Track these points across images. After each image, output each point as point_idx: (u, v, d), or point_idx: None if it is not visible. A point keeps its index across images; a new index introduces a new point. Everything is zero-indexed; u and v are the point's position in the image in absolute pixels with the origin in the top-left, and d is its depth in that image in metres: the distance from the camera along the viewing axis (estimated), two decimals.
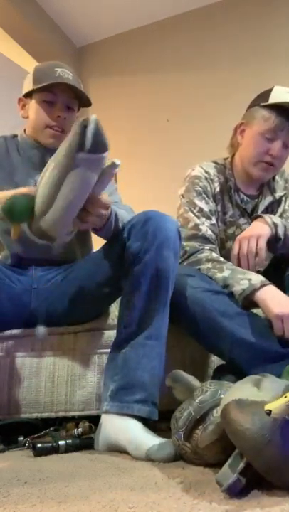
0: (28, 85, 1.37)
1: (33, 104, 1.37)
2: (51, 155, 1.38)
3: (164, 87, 3.48)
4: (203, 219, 1.43)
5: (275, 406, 0.67)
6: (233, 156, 1.55)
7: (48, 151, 1.37)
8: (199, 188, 1.46)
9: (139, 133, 3.46)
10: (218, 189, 1.49)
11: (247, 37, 3.24)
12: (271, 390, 0.76)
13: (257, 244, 1.31)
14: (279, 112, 1.38)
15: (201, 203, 1.44)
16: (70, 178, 0.96)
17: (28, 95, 1.38)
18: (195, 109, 3.29)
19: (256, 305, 1.21)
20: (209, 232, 1.41)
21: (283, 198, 1.55)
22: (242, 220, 1.50)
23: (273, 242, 1.36)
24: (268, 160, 1.41)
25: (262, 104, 1.41)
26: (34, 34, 3.27)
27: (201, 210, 1.43)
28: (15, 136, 1.45)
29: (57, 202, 0.99)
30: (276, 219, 1.38)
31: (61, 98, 1.35)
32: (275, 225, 1.35)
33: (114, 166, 1.00)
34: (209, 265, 1.31)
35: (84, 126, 0.92)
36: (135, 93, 3.57)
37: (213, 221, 1.45)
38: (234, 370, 1.19)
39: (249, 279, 1.22)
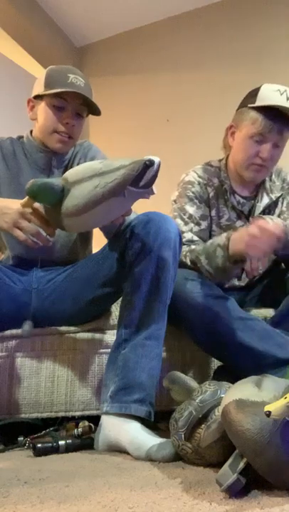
0: (38, 88, 1.35)
1: (42, 107, 1.35)
2: (57, 158, 1.40)
3: (164, 87, 3.48)
4: (192, 225, 1.43)
5: (274, 407, 0.67)
6: (227, 156, 1.55)
7: (54, 155, 1.38)
8: (191, 194, 1.47)
9: (139, 133, 3.46)
10: (212, 194, 1.49)
11: (247, 37, 3.24)
12: (272, 390, 0.77)
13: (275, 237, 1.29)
14: (267, 113, 1.36)
15: (191, 209, 1.45)
16: (111, 203, 0.97)
17: (38, 97, 1.36)
18: (195, 109, 3.29)
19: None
20: (195, 238, 1.41)
21: (280, 199, 1.54)
22: (239, 223, 1.50)
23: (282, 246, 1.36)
24: (259, 162, 1.41)
25: (249, 105, 1.40)
26: (34, 34, 3.27)
27: (190, 216, 1.44)
28: (21, 137, 1.45)
29: (89, 215, 0.99)
30: (277, 220, 1.37)
31: (71, 105, 1.34)
32: (287, 228, 1.34)
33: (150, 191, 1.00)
34: (189, 254, 1.33)
35: (147, 166, 0.93)
36: (135, 93, 3.57)
37: (203, 226, 1.45)
38: (234, 372, 1.19)
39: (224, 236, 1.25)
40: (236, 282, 1.52)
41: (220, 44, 3.32)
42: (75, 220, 1.01)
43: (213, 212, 1.49)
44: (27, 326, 1.23)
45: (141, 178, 0.93)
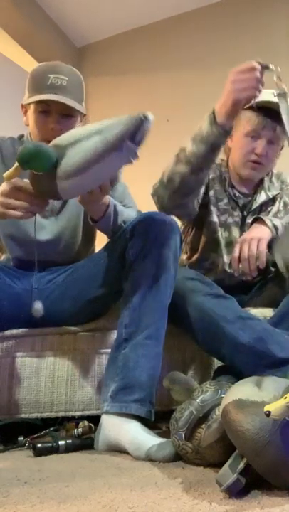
0: (26, 93, 1.32)
1: (30, 113, 1.32)
2: None
3: (164, 87, 3.48)
4: None
5: (274, 407, 0.67)
6: (227, 158, 1.59)
7: None
8: None
9: None
10: (212, 176, 1.54)
11: (247, 37, 3.24)
12: (272, 390, 0.77)
13: (258, 247, 1.32)
14: (260, 112, 1.44)
15: None
16: (111, 159, 0.98)
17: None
18: (195, 109, 3.28)
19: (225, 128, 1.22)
20: None
21: (278, 198, 1.58)
22: (235, 213, 1.53)
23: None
24: (254, 159, 1.47)
25: (245, 107, 1.42)
26: (34, 34, 3.27)
27: None
28: (22, 136, 1.44)
29: (87, 174, 0.98)
30: (276, 221, 1.39)
31: (55, 108, 1.26)
32: (276, 228, 1.37)
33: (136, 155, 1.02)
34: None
35: (142, 121, 0.96)
36: (135, 93, 3.57)
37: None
38: (235, 371, 1.19)
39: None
40: (237, 275, 1.51)
41: (220, 44, 3.32)
42: (72, 181, 0.99)
43: (212, 193, 1.53)
44: (38, 304, 1.20)
45: (137, 132, 0.96)
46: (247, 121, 1.47)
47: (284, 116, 1.21)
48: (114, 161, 1.00)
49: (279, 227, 1.37)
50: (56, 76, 1.26)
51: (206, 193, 1.53)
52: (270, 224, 1.37)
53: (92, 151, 0.97)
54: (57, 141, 1.03)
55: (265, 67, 1.20)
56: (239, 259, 1.35)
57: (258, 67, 1.18)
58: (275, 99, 1.36)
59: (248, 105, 1.39)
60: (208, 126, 1.23)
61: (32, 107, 1.30)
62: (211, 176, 1.53)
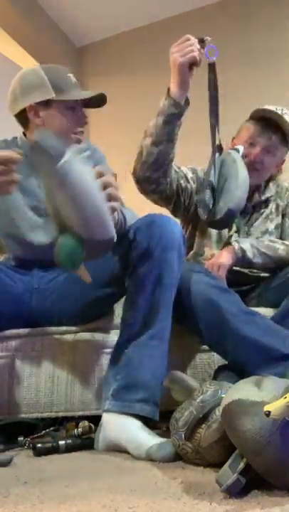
0: (43, 92, 1.29)
1: (53, 112, 1.31)
2: None
3: (164, 87, 3.47)
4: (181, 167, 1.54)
5: (274, 407, 0.67)
6: None
7: None
8: (188, 166, 1.60)
9: (139, 133, 3.45)
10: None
11: (247, 36, 3.25)
12: (272, 390, 0.76)
13: (218, 274, 1.41)
14: (259, 121, 1.56)
15: (185, 168, 1.57)
16: (64, 188, 0.91)
17: (43, 103, 1.30)
18: (195, 109, 3.29)
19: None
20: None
21: (271, 199, 1.63)
22: None
23: (245, 265, 1.48)
24: (248, 162, 1.52)
25: (246, 119, 1.61)
26: (34, 34, 3.27)
27: (182, 170, 1.55)
28: (15, 138, 1.44)
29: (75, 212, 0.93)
30: (244, 243, 1.47)
31: (80, 103, 1.35)
32: (243, 250, 1.45)
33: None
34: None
35: (38, 145, 0.90)
36: (135, 93, 3.57)
37: (189, 176, 1.56)
38: (235, 371, 1.19)
39: None
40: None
41: (220, 44, 3.30)
42: (81, 227, 0.94)
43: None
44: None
45: (49, 151, 0.88)
46: (246, 130, 1.57)
47: (210, 91, 1.44)
48: (72, 184, 0.92)
49: (247, 249, 1.45)
50: (72, 75, 1.36)
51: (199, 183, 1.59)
52: (236, 247, 1.45)
53: (53, 199, 0.93)
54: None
55: (200, 41, 1.34)
56: None
57: (192, 37, 1.32)
58: (273, 109, 1.53)
59: (250, 116, 1.52)
60: (164, 99, 1.34)
61: (57, 104, 1.30)
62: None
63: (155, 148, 1.35)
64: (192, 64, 1.30)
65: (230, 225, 1.56)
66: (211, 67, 1.38)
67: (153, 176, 1.40)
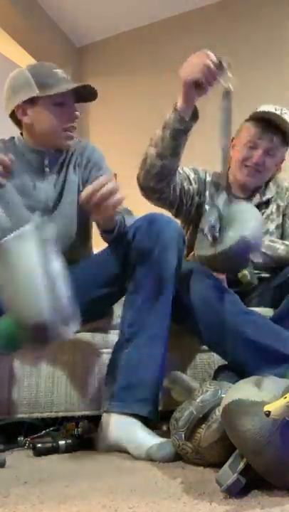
0: (27, 91, 1.29)
1: (40, 109, 1.30)
2: (50, 158, 1.36)
3: (164, 87, 3.47)
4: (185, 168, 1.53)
5: (274, 407, 0.67)
6: (228, 169, 1.61)
7: (47, 155, 1.35)
8: (190, 167, 1.58)
9: (139, 133, 3.45)
10: (209, 179, 1.59)
11: (247, 36, 3.24)
12: (272, 390, 0.77)
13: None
14: (259, 124, 1.54)
15: (187, 169, 1.56)
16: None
17: (30, 101, 1.30)
18: (200, 109, 3.29)
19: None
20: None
21: (272, 200, 1.62)
22: None
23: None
24: (250, 165, 1.54)
25: (246, 120, 1.58)
26: (34, 34, 3.27)
27: (185, 171, 1.53)
28: (12, 138, 1.44)
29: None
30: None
31: (69, 97, 1.32)
32: None
33: None
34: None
35: None
36: (135, 93, 3.57)
37: (195, 186, 1.54)
38: (235, 371, 1.19)
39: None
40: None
41: (220, 44, 3.31)
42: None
43: (207, 193, 1.57)
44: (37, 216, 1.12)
45: None
46: (246, 131, 1.55)
47: (222, 116, 1.26)
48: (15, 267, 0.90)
49: None
50: (61, 70, 1.33)
51: (202, 193, 1.57)
52: None
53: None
54: None
55: (218, 63, 1.20)
56: None
57: (211, 55, 1.20)
58: (273, 110, 1.51)
59: (248, 118, 1.49)
60: (170, 112, 1.32)
61: (45, 101, 1.29)
62: (208, 180, 1.58)
63: (159, 161, 1.32)
64: (198, 84, 1.23)
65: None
66: (226, 94, 1.24)
67: (156, 186, 1.38)
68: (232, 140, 1.61)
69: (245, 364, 1.15)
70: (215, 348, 1.28)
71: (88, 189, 1.04)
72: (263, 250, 1.45)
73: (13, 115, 1.36)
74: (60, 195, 1.34)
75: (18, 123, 1.38)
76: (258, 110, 1.56)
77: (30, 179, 1.33)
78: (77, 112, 1.34)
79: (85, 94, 1.35)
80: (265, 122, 1.53)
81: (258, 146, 1.53)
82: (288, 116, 1.53)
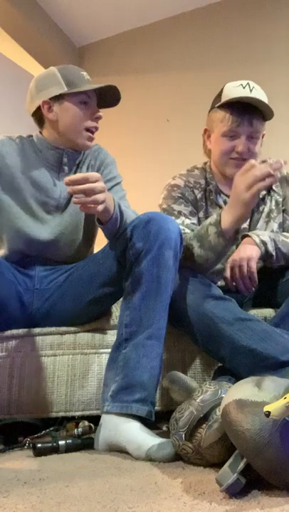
0: (56, 87, 1.33)
1: (65, 107, 1.34)
2: (68, 157, 1.39)
3: (164, 87, 3.48)
4: (183, 218, 1.43)
5: (274, 407, 0.67)
6: (210, 160, 1.57)
7: (65, 153, 1.38)
8: (178, 195, 1.47)
9: (139, 133, 3.46)
10: (200, 195, 1.50)
11: (247, 37, 3.24)
12: (272, 390, 0.77)
13: (248, 267, 1.33)
14: (233, 109, 1.40)
15: (179, 207, 1.45)
16: None
17: (56, 98, 1.34)
18: (195, 109, 3.29)
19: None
20: (187, 230, 1.38)
21: (268, 197, 1.54)
22: None
23: (266, 258, 1.37)
24: (236, 156, 1.43)
25: (216, 106, 1.43)
26: (34, 34, 3.27)
27: (179, 212, 1.45)
28: (30, 136, 1.45)
29: None
30: (264, 236, 1.37)
31: (93, 99, 1.38)
32: (264, 243, 1.35)
33: None
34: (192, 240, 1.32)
35: None
36: (135, 93, 3.57)
37: (194, 221, 1.45)
38: (235, 373, 1.19)
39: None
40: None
41: (220, 44, 3.32)
42: None
43: (201, 214, 1.50)
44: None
45: None
46: (221, 121, 1.42)
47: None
48: None
49: (267, 241, 1.35)
50: (86, 73, 1.40)
51: (198, 210, 1.51)
52: (257, 240, 1.36)
53: None
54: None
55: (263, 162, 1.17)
56: (233, 281, 1.36)
57: (256, 163, 1.17)
58: (246, 92, 1.38)
59: (219, 104, 1.41)
60: (212, 226, 1.24)
61: (70, 99, 1.35)
62: (198, 197, 1.50)
63: (203, 267, 1.29)
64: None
65: None
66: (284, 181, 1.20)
67: (198, 270, 1.32)
68: (205, 132, 1.53)
69: (243, 371, 1.14)
70: (213, 356, 1.28)
71: (75, 176, 1.04)
72: (279, 246, 1.38)
73: (35, 113, 1.40)
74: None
75: (39, 120, 1.41)
76: (229, 96, 1.40)
77: (50, 175, 1.36)
78: (100, 113, 1.39)
79: (107, 99, 1.41)
80: (240, 106, 1.39)
81: (239, 135, 1.41)
82: (258, 90, 1.42)
